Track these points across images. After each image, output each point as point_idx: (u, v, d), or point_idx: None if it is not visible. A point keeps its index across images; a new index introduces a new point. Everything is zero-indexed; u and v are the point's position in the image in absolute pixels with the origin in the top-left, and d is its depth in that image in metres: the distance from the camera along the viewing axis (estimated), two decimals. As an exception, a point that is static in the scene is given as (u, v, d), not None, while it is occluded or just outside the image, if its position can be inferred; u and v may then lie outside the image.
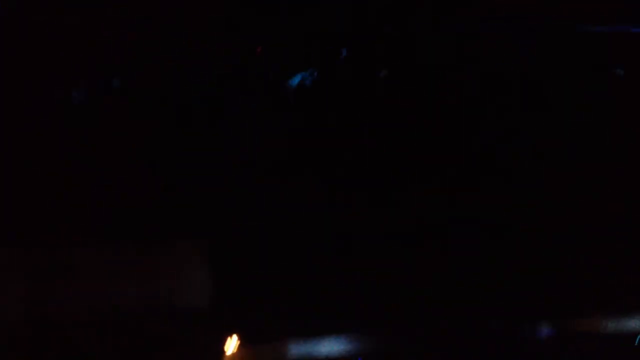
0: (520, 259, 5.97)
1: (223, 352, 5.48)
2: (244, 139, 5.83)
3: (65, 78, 5.55)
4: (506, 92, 6.16)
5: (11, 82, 5.45)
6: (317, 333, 5.71)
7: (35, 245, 5.19)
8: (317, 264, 5.73)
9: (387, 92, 6.05)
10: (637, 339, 5.92)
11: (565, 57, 6.22)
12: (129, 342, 5.19)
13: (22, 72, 5.49)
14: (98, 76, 5.65)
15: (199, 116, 5.78)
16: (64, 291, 5.18)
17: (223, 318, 5.51)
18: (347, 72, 6.04)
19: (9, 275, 5.12)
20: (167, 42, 5.73)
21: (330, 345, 5.73)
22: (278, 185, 5.81)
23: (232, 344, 5.50)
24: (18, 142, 5.41)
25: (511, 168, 6.10)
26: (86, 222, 5.34)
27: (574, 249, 6.00)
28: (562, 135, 6.15)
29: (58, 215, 5.29)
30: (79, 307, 5.20)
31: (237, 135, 5.82)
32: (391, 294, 5.78)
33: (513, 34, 6.15)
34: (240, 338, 5.52)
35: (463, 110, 6.11)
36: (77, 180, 5.41)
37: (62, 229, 5.24)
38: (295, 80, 5.88)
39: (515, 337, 5.88)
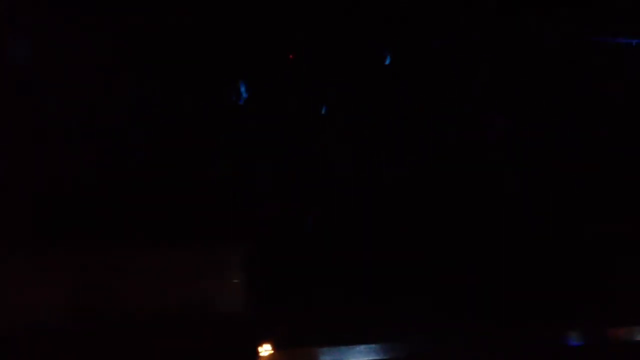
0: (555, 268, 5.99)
1: (256, 357, 5.48)
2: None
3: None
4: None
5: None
6: (348, 341, 5.72)
7: (80, 246, 5.23)
8: (351, 272, 5.74)
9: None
10: None
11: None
12: (164, 345, 5.20)
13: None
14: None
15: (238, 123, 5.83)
16: (100, 292, 5.21)
17: (257, 324, 5.51)
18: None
19: (56, 275, 5.16)
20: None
21: (361, 354, 5.73)
22: (314, 193, 5.84)
23: (265, 350, 5.51)
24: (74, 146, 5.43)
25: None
26: (127, 225, 5.37)
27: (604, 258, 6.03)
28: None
29: (103, 218, 5.33)
30: (113, 308, 5.22)
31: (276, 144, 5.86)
32: (423, 303, 5.78)
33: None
34: (273, 344, 5.53)
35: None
36: (124, 183, 5.46)
37: (105, 231, 5.28)
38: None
39: (549, 346, 5.88)
